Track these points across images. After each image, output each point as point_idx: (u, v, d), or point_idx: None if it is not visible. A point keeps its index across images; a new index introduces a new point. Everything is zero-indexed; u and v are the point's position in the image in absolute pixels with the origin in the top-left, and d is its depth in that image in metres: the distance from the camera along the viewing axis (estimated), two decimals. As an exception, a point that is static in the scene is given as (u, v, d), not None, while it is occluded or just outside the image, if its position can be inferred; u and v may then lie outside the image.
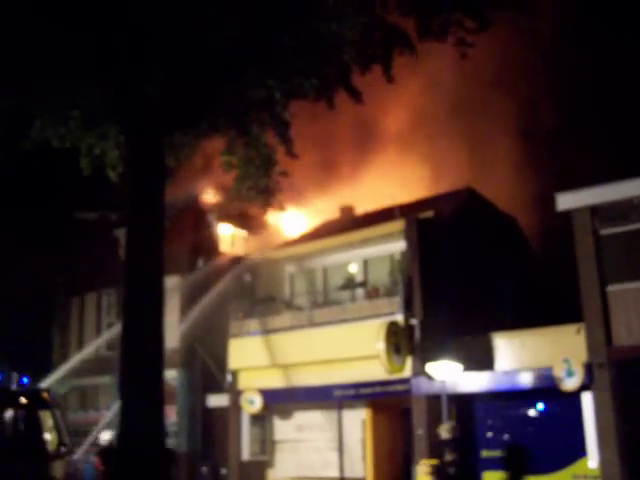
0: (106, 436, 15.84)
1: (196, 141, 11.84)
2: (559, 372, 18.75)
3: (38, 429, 13.43)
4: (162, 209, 10.34)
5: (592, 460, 18.62)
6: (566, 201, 19.35)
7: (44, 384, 23.17)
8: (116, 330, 23.56)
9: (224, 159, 11.72)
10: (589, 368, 18.44)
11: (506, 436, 20.52)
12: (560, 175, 25.48)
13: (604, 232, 18.92)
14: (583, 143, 28.46)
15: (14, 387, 14.21)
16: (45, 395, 14.45)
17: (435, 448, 19.44)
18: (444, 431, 13.11)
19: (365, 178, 31.03)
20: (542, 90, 30.09)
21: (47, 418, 13.87)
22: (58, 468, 13.55)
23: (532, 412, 20.42)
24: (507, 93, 31.14)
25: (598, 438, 18.23)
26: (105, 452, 15.33)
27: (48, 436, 13.75)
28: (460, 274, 22.37)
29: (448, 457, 12.61)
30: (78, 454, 25.11)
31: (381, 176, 30.80)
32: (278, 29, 10.17)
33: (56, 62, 10.04)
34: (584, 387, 18.65)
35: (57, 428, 14.01)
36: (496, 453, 20.39)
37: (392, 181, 30.30)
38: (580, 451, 18.93)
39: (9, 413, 13.68)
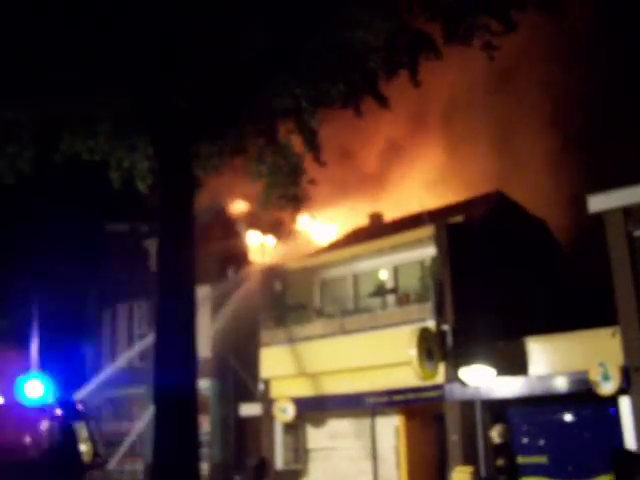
0: None
1: (224, 151, 11.86)
2: (595, 376, 18.49)
3: (73, 440, 13.51)
4: (192, 219, 10.37)
5: (631, 466, 18.33)
6: (597, 203, 19.12)
7: (78, 395, 23.36)
8: (148, 341, 23.69)
9: (253, 168, 11.74)
10: (626, 372, 18.19)
11: (542, 442, 20.31)
12: (592, 176, 25.19)
13: (638, 233, 18.67)
14: (616, 143, 28.10)
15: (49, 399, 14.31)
16: (80, 406, 14.54)
17: (471, 454, 19.30)
18: (495, 435, 12.75)
19: (394, 184, 30.93)
20: (576, 89, 29.75)
21: (82, 429, 13.94)
22: (94, 479, 13.62)
23: (568, 417, 20.18)
24: (538, 93, 30.88)
25: (637, 443, 17.96)
26: None
27: (83, 447, 13.82)
28: (491, 279, 22.18)
29: (500, 462, 12.19)
30: (113, 464, 25.25)
31: (410, 182, 30.69)
32: (304, 38, 10.17)
33: (82, 76, 10.12)
34: (621, 391, 18.39)
35: (92, 439, 14.08)
36: (532, 459, 20.21)
37: (421, 187, 30.17)
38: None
39: (44, 425, 13.78)
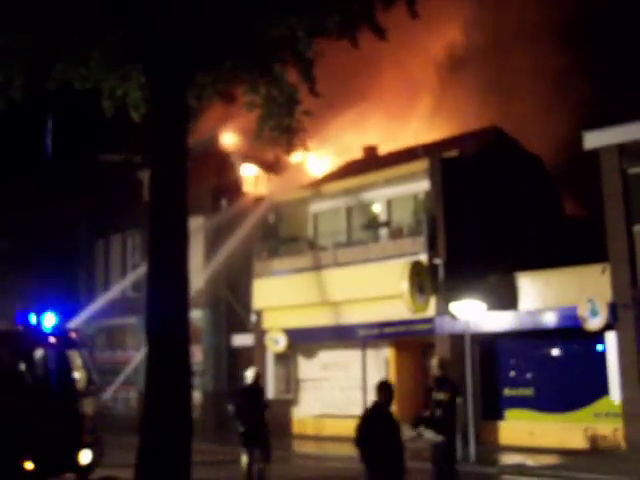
0: (250, 373, 14.93)
1: (219, 80, 11.70)
2: (583, 312, 18.72)
3: (67, 368, 13.67)
4: (185, 149, 10.30)
5: (614, 398, 18.71)
6: (593, 139, 19.06)
7: (72, 324, 23.55)
8: (141, 271, 23.79)
9: (247, 98, 11.60)
10: (613, 308, 18.41)
11: (529, 375, 20.67)
12: (588, 112, 24.98)
13: (632, 171, 18.67)
14: (614, 79, 27.76)
15: (43, 327, 14.43)
16: (73, 335, 14.66)
17: (459, 386, 19.60)
18: (435, 366, 12.34)
19: (389, 117, 30.68)
20: (575, 22, 29.15)
21: (76, 358, 14.09)
22: (88, 405, 13.82)
23: (555, 351, 20.50)
24: (536, 27, 30.35)
25: (621, 377, 18.30)
26: (245, 391, 14.68)
27: (77, 375, 13.98)
28: (485, 213, 22.25)
29: (439, 396, 11.78)
30: (108, 393, 25.65)
31: (405, 115, 30.44)
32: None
33: (74, 3, 9.92)
34: (608, 327, 18.64)
35: (85, 367, 14.25)
36: (518, 392, 20.60)
37: (416, 120, 29.94)
38: (602, 390, 19.03)
39: (39, 353, 13.92)
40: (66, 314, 23.33)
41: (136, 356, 27.04)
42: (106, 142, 30.29)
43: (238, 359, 27.81)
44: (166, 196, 10.06)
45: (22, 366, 13.69)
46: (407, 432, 10.63)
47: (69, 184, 32.69)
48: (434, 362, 12.50)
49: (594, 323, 18.64)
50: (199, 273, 25.46)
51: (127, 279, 29.72)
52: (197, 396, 26.32)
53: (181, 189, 10.14)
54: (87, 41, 10.45)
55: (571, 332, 19.40)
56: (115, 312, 28.97)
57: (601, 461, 17.37)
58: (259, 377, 15.03)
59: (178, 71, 10.20)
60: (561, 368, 20.14)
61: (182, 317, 9.92)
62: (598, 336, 19.04)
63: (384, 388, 9.01)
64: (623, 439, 18.23)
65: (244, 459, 13.85)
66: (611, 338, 18.80)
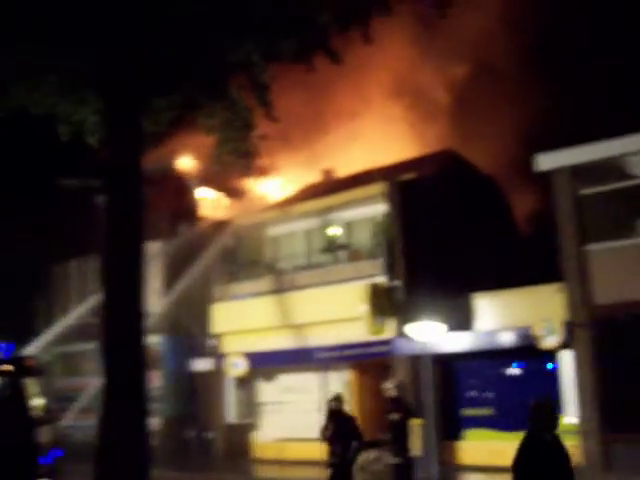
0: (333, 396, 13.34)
1: (175, 105, 11.74)
2: (538, 331, 18.97)
3: (23, 396, 13.49)
4: (140, 174, 10.31)
5: (570, 417, 18.93)
6: (546, 161, 19.41)
7: (29, 351, 23.20)
8: (100, 297, 23.56)
9: (204, 123, 11.65)
10: (569, 327, 18.67)
11: (487, 395, 20.83)
12: (540, 135, 25.42)
13: (584, 192, 19.03)
14: (566, 100, 28.29)
15: (-2, 355, 14.25)
16: (30, 362, 14.47)
17: (420, 407, 19.68)
18: (391, 387, 12.65)
19: (347, 141, 30.91)
20: (530, 41, 29.66)
21: (32, 385, 13.91)
22: (45, 434, 13.63)
23: (513, 371, 20.71)
24: (490, 48, 30.84)
25: (577, 395, 18.52)
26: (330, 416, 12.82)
27: (34, 402, 13.80)
28: (442, 236, 22.47)
29: (394, 416, 12.21)
30: (65, 420, 25.23)
31: (363, 139, 30.70)
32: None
33: (33, 29, 9.91)
34: (564, 346, 18.90)
35: (42, 395, 14.08)
36: (478, 412, 20.74)
37: (374, 143, 30.20)
38: (559, 408, 19.24)
39: (-7, 380, 13.72)
40: (22, 341, 23.04)
41: (94, 382, 26.70)
42: (63, 166, 30.05)
43: (198, 384, 27.62)
44: (122, 221, 10.06)
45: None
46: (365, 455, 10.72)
47: (26, 209, 32.30)
48: (388, 384, 12.74)
49: (550, 342, 18.89)
50: (158, 298, 25.30)
51: (85, 305, 29.37)
52: (157, 421, 26.05)
53: (138, 214, 10.14)
54: (42, 65, 10.43)
55: (528, 351, 19.62)
56: (73, 338, 28.60)
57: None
58: (340, 400, 13.07)
59: (133, 96, 10.23)
60: (519, 387, 20.32)
61: (138, 342, 9.87)
62: (554, 355, 19.29)
63: (537, 411, 6.99)
64: (582, 456, 18.42)
65: None
66: (566, 357, 19.06)
